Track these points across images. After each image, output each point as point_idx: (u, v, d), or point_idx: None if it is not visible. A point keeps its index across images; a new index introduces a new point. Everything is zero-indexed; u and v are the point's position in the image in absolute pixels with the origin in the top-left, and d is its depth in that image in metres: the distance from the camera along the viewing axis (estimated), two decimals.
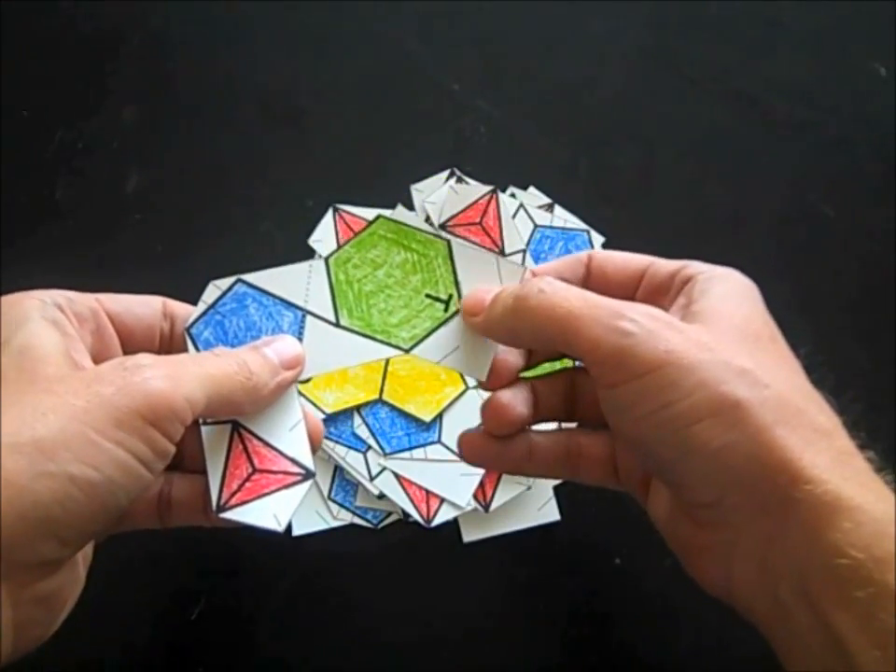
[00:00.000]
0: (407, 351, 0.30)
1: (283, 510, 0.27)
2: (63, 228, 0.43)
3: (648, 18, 0.45)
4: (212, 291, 0.29)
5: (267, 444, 0.28)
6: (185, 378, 0.24)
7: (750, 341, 0.25)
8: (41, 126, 0.44)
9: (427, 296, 0.31)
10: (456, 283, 0.31)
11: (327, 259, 0.30)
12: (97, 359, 0.26)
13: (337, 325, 0.30)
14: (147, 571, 0.39)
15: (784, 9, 0.46)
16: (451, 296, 0.31)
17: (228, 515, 0.26)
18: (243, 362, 0.27)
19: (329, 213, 0.42)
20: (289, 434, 0.28)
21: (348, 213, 0.41)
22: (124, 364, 0.24)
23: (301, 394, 0.33)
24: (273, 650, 0.39)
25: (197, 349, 0.28)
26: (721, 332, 0.25)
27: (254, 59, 0.45)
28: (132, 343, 0.28)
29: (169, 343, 0.29)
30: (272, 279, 0.30)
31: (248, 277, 0.29)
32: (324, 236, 0.41)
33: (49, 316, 0.25)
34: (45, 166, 0.44)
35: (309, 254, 0.41)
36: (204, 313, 0.29)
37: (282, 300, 0.30)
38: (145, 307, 0.28)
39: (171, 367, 0.24)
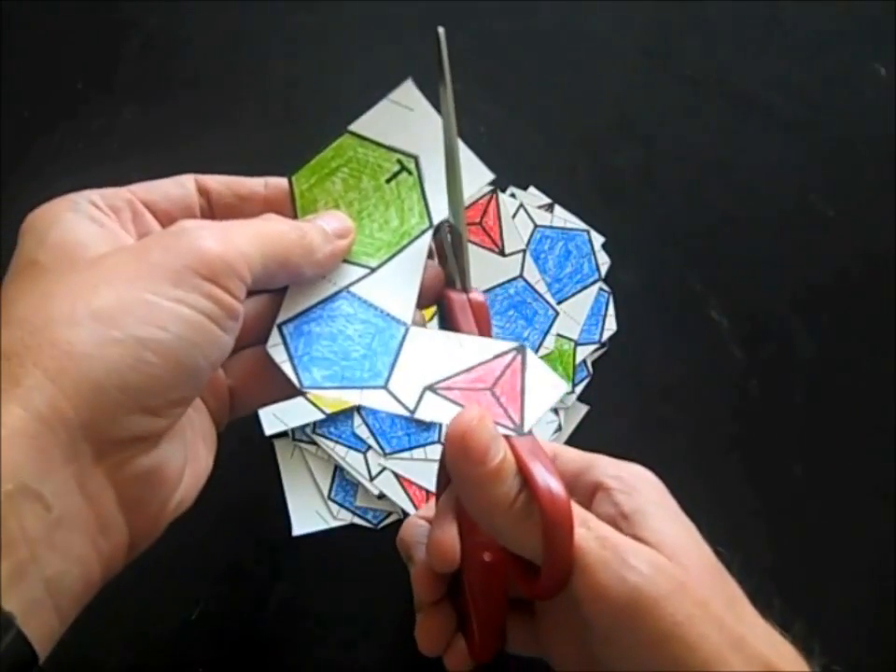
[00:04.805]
0: (432, 224, 0.29)
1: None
2: None
3: (648, 18, 0.45)
4: (274, 342, 0.27)
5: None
6: (235, 235, 0.24)
7: (718, 583, 0.25)
8: (41, 126, 0.44)
9: (388, 181, 0.30)
10: (390, 148, 0.30)
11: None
12: None
13: (374, 270, 0.29)
14: (147, 571, 0.39)
15: (784, 9, 0.46)
16: (399, 161, 0.30)
17: (527, 427, 0.25)
18: (295, 224, 0.26)
19: None
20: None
21: None
22: (168, 230, 0.23)
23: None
24: (272, 650, 0.39)
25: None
26: (702, 584, 0.24)
27: (254, 59, 0.45)
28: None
29: (209, 218, 0.28)
30: (294, 305, 0.28)
31: (282, 317, 0.28)
32: None
33: (83, 212, 0.24)
34: (45, 166, 0.44)
35: None
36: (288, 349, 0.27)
37: (319, 301, 0.28)
38: (178, 188, 0.28)
39: (218, 228, 0.24)
